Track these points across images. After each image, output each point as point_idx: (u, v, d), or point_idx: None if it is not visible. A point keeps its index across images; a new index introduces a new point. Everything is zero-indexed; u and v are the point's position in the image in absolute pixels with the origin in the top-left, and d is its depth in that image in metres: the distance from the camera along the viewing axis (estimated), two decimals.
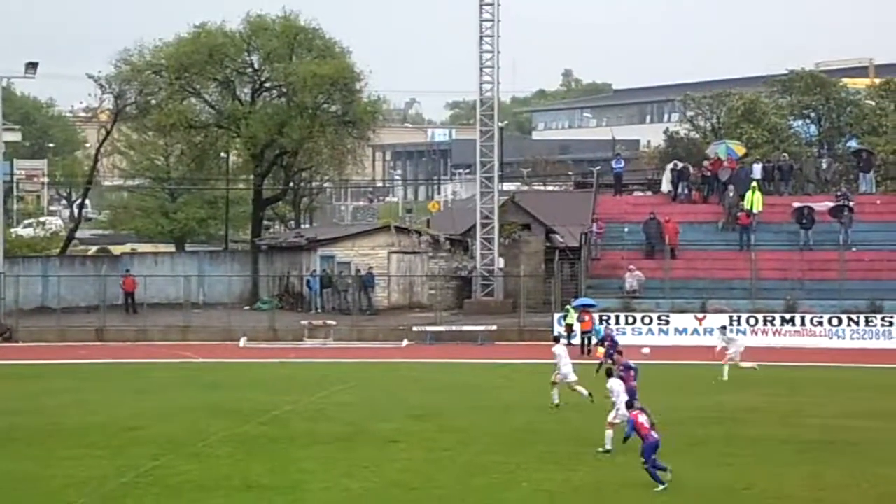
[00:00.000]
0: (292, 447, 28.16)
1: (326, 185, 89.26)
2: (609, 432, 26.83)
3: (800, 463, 26.59)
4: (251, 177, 72.40)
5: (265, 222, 77.96)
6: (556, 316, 53.47)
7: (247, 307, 63.70)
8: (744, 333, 49.96)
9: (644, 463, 23.64)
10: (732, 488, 24.04)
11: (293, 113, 66.81)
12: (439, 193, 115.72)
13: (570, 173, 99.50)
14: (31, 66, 59.48)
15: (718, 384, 38.86)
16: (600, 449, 26.78)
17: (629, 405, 25.67)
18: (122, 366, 46.66)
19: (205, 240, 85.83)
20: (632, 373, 30.81)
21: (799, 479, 24.87)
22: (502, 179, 71.58)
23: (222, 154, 73.80)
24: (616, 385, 28.07)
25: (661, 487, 23.38)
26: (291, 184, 75.41)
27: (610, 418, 27.02)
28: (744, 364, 39.92)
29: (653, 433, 23.85)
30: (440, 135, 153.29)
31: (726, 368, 39.46)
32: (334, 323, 55.40)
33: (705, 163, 62.02)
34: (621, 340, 51.19)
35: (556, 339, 37.16)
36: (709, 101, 76.57)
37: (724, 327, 44.76)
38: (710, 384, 38.84)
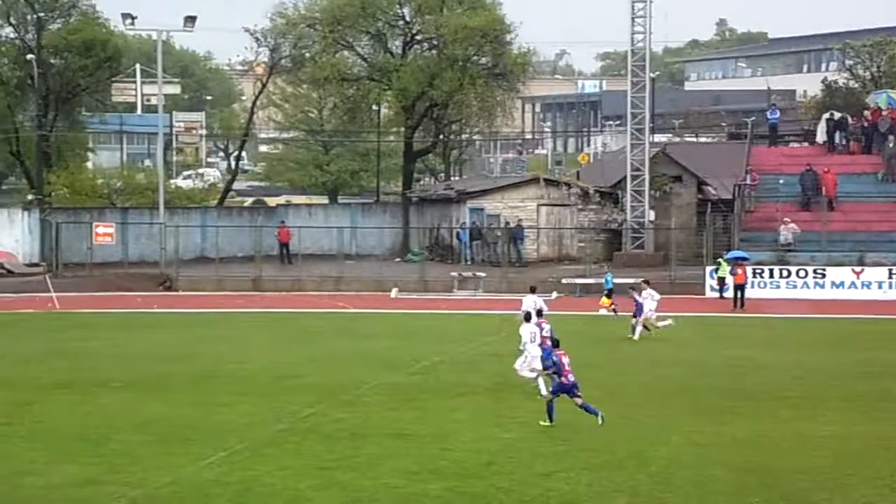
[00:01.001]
0: (442, 397, 28.48)
1: (476, 137, 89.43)
2: (525, 375, 27.74)
3: None
4: (402, 129, 72.96)
5: (415, 175, 78.56)
6: (708, 269, 52.87)
7: (398, 258, 64.45)
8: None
9: (550, 395, 24.93)
10: (890, 445, 23.57)
11: (444, 65, 67.00)
12: (589, 146, 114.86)
13: (723, 124, 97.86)
14: (190, 19, 60.78)
15: (872, 340, 38.00)
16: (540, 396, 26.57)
17: (556, 344, 25.68)
18: (278, 315, 47.67)
19: (357, 192, 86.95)
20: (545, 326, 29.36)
21: None
22: (653, 131, 70.73)
23: (374, 107, 74.48)
24: (526, 331, 28.28)
25: (547, 423, 24.56)
26: (441, 136, 75.75)
27: (517, 365, 28.04)
28: (660, 323, 38.66)
29: (570, 376, 24.70)
30: (590, 86, 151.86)
31: (638, 329, 38.08)
32: (484, 275, 55.69)
33: (865, 113, 60.37)
34: (775, 294, 50.63)
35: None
36: (868, 50, 74.43)
37: (632, 287, 41.34)
38: (868, 340, 37.97)
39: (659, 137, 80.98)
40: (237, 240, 63.64)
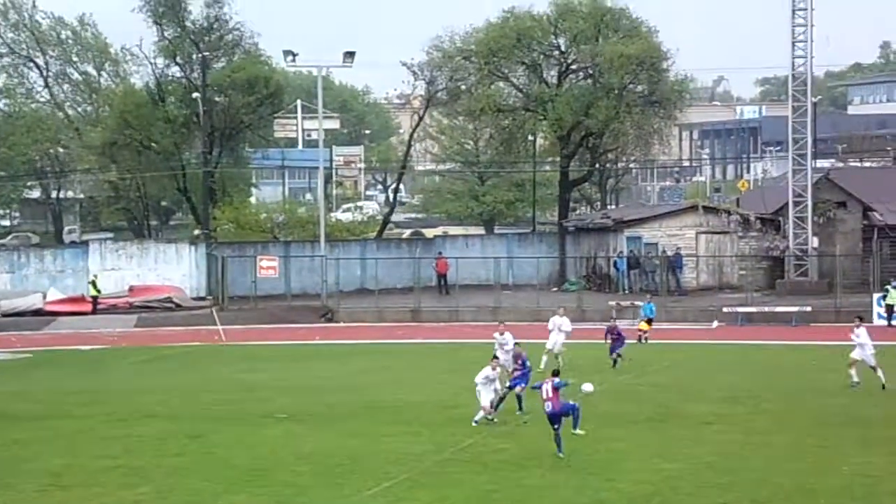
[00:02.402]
0: (603, 426, 28.27)
1: (632, 165, 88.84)
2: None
3: None
4: (557, 159, 72.88)
5: (571, 204, 78.37)
6: (876, 296, 51.48)
7: (555, 288, 64.27)
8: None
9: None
10: None
11: (599, 94, 66.80)
12: (748, 172, 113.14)
13: (888, 149, 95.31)
14: (349, 55, 61.83)
15: None
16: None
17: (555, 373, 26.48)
18: (437, 346, 47.95)
19: (512, 222, 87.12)
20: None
21: None
22: (816, 156, 69.25)
23: (529, 137, 74.61)
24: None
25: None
26: (597, 165, 75.44)
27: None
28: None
29: (548, 405, 25.23)
30: (749, 112, 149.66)
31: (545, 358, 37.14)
32: (642, 304, 55.09)
33: None
34: None
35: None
36: None
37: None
38: None
39: (821, 163, 79.30)
40: (396, 271, 64.33)
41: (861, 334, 33.62)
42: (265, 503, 21.60)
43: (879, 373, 33.14)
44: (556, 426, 25.19)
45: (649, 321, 47.39)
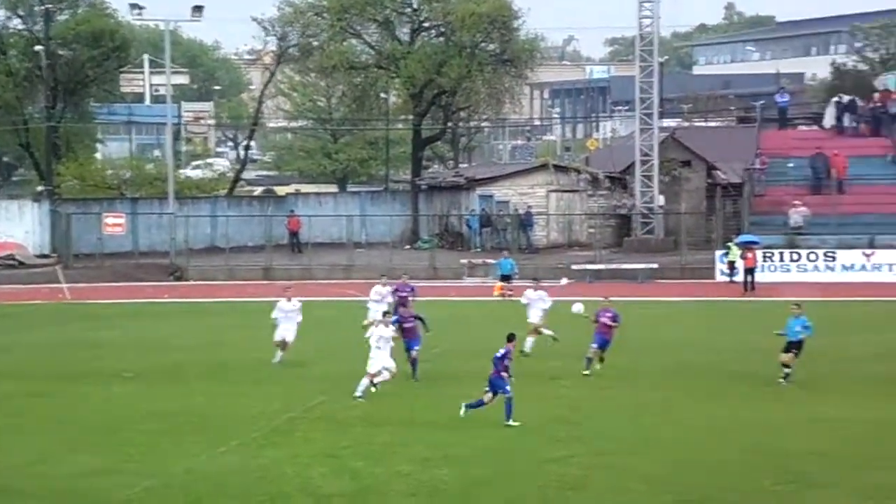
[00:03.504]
0: (455, 384, 28.51)
1: (484, 124, 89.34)
2: (365, 381, 26.65)
3: None
4: (410, 117, 72.92)
5: (424, 162, 78.57)
6: (718, 253, 52.84)
7: (407, 246, 64.44)
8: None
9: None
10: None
11: (451, 52, 66.96)
12: (598, 131, 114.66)
13: (732, 108, 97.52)
14: (197, 9, 60.77)
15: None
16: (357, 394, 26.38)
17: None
18: None
19: (365, 180, 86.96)
20: None
21: None
22: (662, 116, 70.62)
23: (382, 94, 74.43)
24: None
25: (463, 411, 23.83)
26: (450, 123, 75.71)
27: (370, 369, 26.69)
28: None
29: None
30: (598, 72, 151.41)
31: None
32: (494, 262, 55.63)
33: (874, 95, 60.23)
34: (786, 277, 50.97)
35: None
36: (877, 32, 74.20)
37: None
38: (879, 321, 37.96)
39: (668, 122, 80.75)
40: (247, 229, 63.72)
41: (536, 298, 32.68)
42: (112, 463, 21.25)
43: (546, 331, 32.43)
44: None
45: (507, 278, 47.73)
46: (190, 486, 19.79)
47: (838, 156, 55.95)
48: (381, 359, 26.98)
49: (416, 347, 29.24)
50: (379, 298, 34.25)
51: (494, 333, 36.74)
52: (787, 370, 27.50)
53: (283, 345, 31.39)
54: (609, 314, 29.27)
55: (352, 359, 32.00)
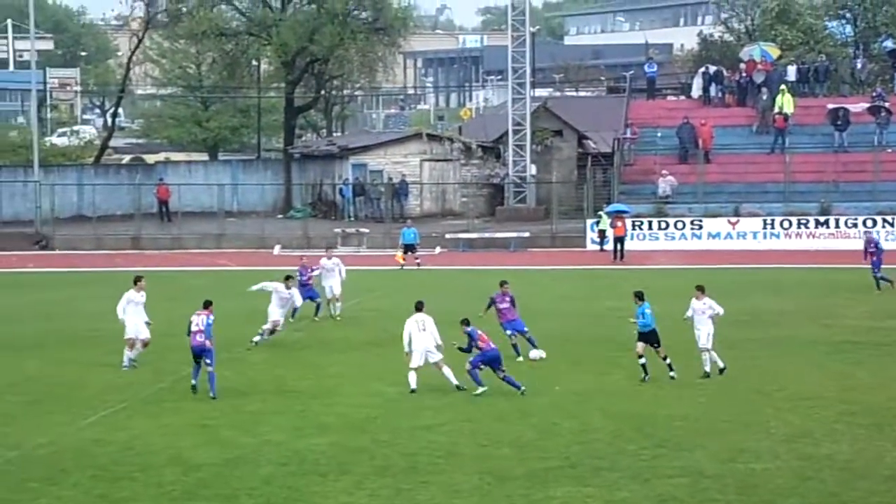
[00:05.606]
0: (325, 353, 28.48)
1: (358, 92, 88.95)
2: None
3: (830, 364, 26.80)
4: (283, 85, 72.26)
5: (297, 131, 77.94)
6: (589, 222, 53.49)
7: (280, 215, 63.98)
8: (777, 237, 50.63)
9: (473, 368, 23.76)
10: (763, 390, 24.20)
11: (324, 19, 66.42)
12: (471, 100, 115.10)
13: (602, 78, 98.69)
14: None
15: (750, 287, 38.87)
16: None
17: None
18: (158, 273, 46.86)
19: (238, 148, 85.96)
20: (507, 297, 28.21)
21: (828, 380, 25.03)
22: (534, 85, 71.10)
23: (253, 62, 73.58)
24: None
25: (480, 390, 23.53)
26: (323, 92, 75.22)
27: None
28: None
29: (491, 344, 24.06)
30: (471, 41, 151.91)
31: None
32: (367, 231, 55.59)
33: (740, 66, 61.39)
34: (654, 245, 51.96)
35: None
36: (743, 3, 75.31)
37: None
38: (743, 287, 38.82)
39: (540, 92, 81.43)
40: (115, 198, 62.56)
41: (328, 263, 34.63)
42: None
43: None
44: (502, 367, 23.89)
45: (412, 247, 47.66)
46: (54, 458, 19.43)
47: (705, 125, 56.96)
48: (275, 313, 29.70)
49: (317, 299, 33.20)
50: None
51: (368, 301, 36.81)
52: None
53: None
54: (508, 298, 28.33)
55: (224, 328, 31.73)
